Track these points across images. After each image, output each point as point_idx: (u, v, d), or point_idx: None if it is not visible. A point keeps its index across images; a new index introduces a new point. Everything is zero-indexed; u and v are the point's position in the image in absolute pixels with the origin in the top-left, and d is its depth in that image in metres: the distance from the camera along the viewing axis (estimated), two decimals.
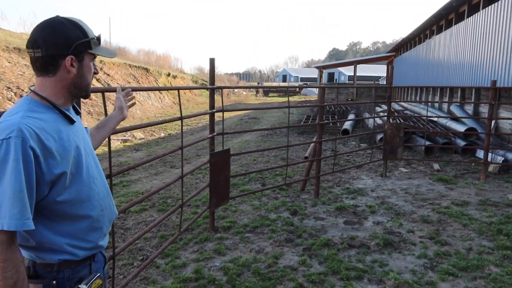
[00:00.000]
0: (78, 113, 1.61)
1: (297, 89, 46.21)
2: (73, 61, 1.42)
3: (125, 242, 3.37)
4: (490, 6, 11.56)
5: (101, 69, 19.92)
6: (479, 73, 12.09)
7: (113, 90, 3.27)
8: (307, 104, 7.96)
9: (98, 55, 1.52)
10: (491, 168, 7.58)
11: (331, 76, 63.04)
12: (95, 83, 17.26)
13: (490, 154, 7.49)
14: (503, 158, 7.74)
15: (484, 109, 11.73)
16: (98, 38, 1.51)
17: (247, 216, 5.19)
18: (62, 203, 1.39)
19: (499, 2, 10.82)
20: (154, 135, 13.15)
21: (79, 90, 1.49)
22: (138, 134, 12.84)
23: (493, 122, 8.67)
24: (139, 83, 23.99)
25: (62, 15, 1.47)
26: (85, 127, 1.69)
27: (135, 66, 25.42)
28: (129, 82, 22.83)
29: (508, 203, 5.71)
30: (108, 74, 20.30)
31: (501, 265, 3.80)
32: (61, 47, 1.40)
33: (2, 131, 1.27)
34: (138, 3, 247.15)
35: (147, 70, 26.64)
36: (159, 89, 4.11)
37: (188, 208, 5.50)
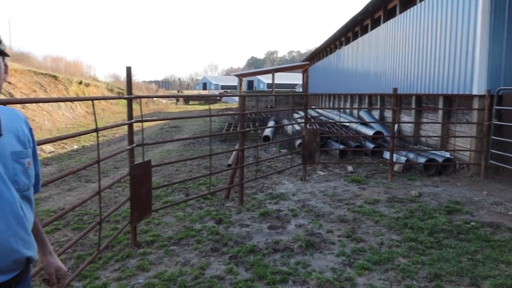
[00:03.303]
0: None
1: (218, 97, 46.39)
2: None
3: (36, 267, 3.08)
4: (389, 21, 12.79)
5: None
6: (382, 81, 13.28)
7: (14, 102, 3.00)
8: (229, 112, 8.05)
9: None
10: (396, 167, 8.34)
11: (250, 84, 64.46)
12: None
13: (395, 155, 8.24)
14: (405, 158, 8.57)
15: (388, 114, 12.90)
16: None
17: (171, 228, 5.07)
18: None
19: (396, 17, 12.03)
20: (66, 148, 12.23)
21: None
22: (48, 147, 11.83)
23: (396, 125, 9.57)
24: (47, 92, 22.17)
25: None
26: (22, 149, 1.47)
27: (42, 74, 23.44)
28: (35, 91, 20.97)
29: (411, 199, 6.33)
30: (9, 82, 18.42)
31: (408, 256, 4.19)
32: None
33: None
34: (43, 4, 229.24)
35: (55, 77, 24.71)
36: (71, 100, 3.86)
37: (107, 224, 5.20)
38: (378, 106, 13.73)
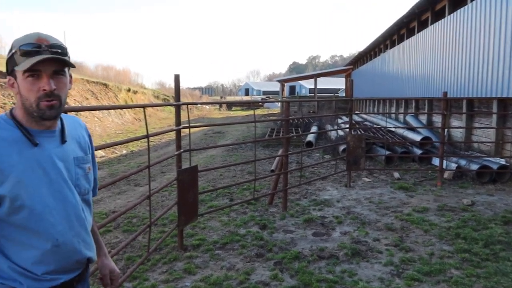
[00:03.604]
0: (63, 138, 1.47)
1: (260, 103, 46.71)
2: (12, 81, 1.38)
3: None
4: (437, 23, 12.32)
5: None
6: (430, 85, 12.79)
7: (70, 110, 3.19)
8: (272, 118, 8.08)
9: (20, 70, 1.32)
10: (446, 174, 7.98)
11: (292, 89, 64.34)
12: None
13: (444, 162, 7.90)
14: (456, 165, 8.18)
15: (437, 119, 12.39)
16: (23, 51, 1.32)
17: (216, 233, 5.15)
18: (10, 225, 1.33)
19: (445, 19, 11.57)
20: (116, 153, 12.80)
21: (29, 111, 1.35)
22: (99, 152, 12.45)
23: (445, 131, 9.17)
24: (98, 99, 23.36)
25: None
26: (83, 155, 1.55)
27: (93, 82, 24.76)
28: (87, 99, 22.17)
29: (463, 208, 6.03)
30: None
31: (461, 267, 3.99)
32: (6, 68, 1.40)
33: None
34: (95, 16, 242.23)
35: (106, 85, 26.01)
36: (124, 107, 4.06)
37: (154, 227, 5.38)
38: (426, 111, 13.23)
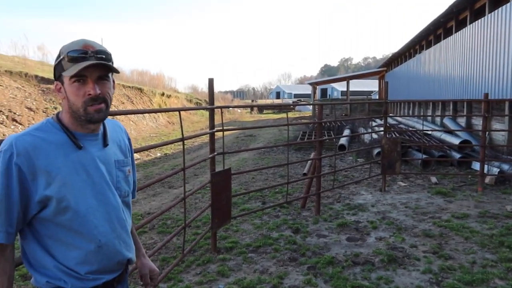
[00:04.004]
0: (105, 142, 1.52)
1: (291, 106, 46.57)
2: (59, 86, 1.43)
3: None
4: (476, 22, 11.84)
5: None
6: (470, 86, 12.30)
7: (120, 113, 3.29)
8: (305, 121, 8.03)
9: (67, 76, 1.37)
10: (487, 179, 7.63)
11: (324, 92, 63.74)
12: None
13: (486, 166, 7.55)
14: (498, 170, 7.81)
15: (476, 121, 11.88)
16: (71, 57, 1.36)
17: (249, 236, 5.16)
18: (56, 226, 1.38)
19: (485, 17, 11.11)
20: (150, 156, 13.11)
21: (75, 114, 1.40)
22: (135, 155, 12.78)
23: (486, 134, 8.77)
24: (133, 103, 24.05)
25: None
26: (124, 158, 1.60)
27: (129, 87, 25.51)
28: (123, 103, 22.87)
29: (507, 215, 5.74)
30: None
31: (505, 278, 3.79)
32: (53, 73, 1.46)
33: (1, 146, 1.33)
34: (130, 25, 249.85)
35: (141, 90, 26.73)
36: (160, 111, 4.14)
37: (188, 229, 5.45)
38: (465, 113, 12.72)
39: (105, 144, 1.51)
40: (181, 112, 3.77)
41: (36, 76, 17.61)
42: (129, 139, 1.72)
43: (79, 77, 1.37)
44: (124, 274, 1.61)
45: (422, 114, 17.51)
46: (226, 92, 72.62)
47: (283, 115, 39.76)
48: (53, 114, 1.47)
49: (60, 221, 1.37)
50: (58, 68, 1.41)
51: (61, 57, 1.39)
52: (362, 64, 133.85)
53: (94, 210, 1.42)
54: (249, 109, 45.40)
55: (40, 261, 1.39)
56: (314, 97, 32.74)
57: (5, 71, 16.71)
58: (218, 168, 4.55)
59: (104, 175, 1.47)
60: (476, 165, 8.26)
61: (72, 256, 1.40)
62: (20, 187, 1.31)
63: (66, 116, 1.44)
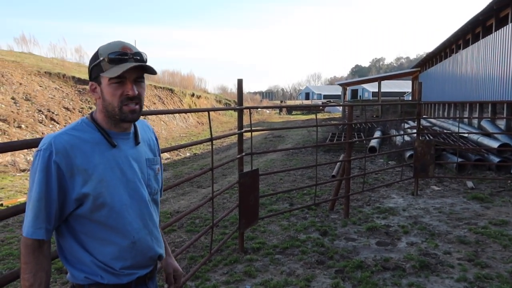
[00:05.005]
0: (137, 140, 1.55)
1: (321, 107, 46.06)
2: (95, 86, 1.46)
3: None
4: None
5: None
6: (510, 87, 11.75)
7: (143, 114, 3.35)
8: (334, 122, 7.91)
9: (107, 76, 1.40)
10: None
11: (354, 93, 62.70)
12: None
13: None
14: None
15: None
16: (110, 59, 1.39)
17: (276, 237, 5.12)
18: (92, 222, 1.41)
19: None
20: (180, 155, 13.31)
21: (110, 114, 1.44)
22: (165, 154, 13.03)
23: None
24: (164, 104, 24.52)
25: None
26: (153, 157, 1.63)
27: (160, 87, 26.04)
28: (154, 103, 23.36)
29: None
30: None
31: None
32: (89, 74, 1.48)
33: (41, 144, 1.37)
34: (161, 26, 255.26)
35: (172, 91, 27.23)
36: (190, 111, 4.18)
37: (216, 228, 5.48)
38: (505, 115, 12.15)
39: (136, 142, 1.55)
40: (211, 113, 3.79)
41: (73, 77, 18.29)
42: (156, 139, 1.75)
43: (118, 78, 1.40)
44: (155, 270, 1.64)
45: (458, 116, 16.89)
46: (255, 93, 72.82)
47: (312, 116, 39.44)
48: (87, 114, 1.51)
49: (96, 217, 1.40)
50: (96, 69, 1.43)
51: (100, 58, 1.41)
52: (394, 64, 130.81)
53: (128, 206, 1.46)
54: (278, 110, 45.32)
55: (77, 257, 1.42)
56: (344, 98, 32.26)
57: (45, 72, 17.46)
58: (246, 168, 4.55)
59: (137, 173, 1.51)
60: None
61: (107, 251, 1.43)
62: (58, 185, 1.34)
63: (100, 115, 1.47)
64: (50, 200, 1.34)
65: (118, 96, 1.41)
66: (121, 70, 1.37)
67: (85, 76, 18.21)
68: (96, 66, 1.42)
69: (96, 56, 1.43)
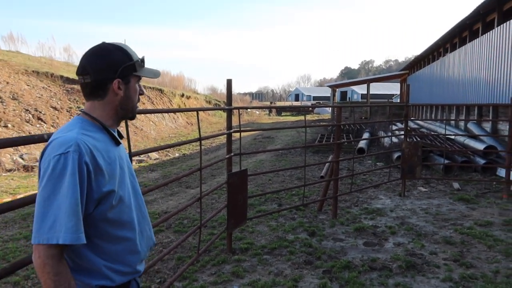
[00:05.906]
0: (121, 136, 1.63)
1: (310, 108, 46.28)
2: (120, 84, 1.47)
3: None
4: (505, 24, 11.50)
5: None
6: (496, 90, 11.95)
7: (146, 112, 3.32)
8: (324, 124, 7.94)
9: (142, 76, 1.56)
10: None
11: (344, 95, 63.08)
12: None
13: None
14: None
15: (503, 127, 11.52)
16: (142, 60, 1.54)
17: (265, 237, 5.12)
18: (106, 222, 1.41)
19: None
20: (169, 155, 13.23)
21: (126, 112, 1.52)
22: (153, 154, 12.94)
23: None
24: (154, 104, 24.35)
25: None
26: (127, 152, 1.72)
27: (150, 87, 25.84)
28: (143, 103, 23.18)
29: None
30: None
31: None
32: (108, 72, 1.45)
33: (60, 146, 1.30)
34: (152, 27, 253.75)
35: (161, 91, 27.05)
36: (178, 111, 4.16)
37: (204, 229, 5.46)
38: (491, 118, 12.35)
39: (121, 138, 1.62)
40: (200, 113, 3.78)
41: (62, 77, 18.05)
42: None
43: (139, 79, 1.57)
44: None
45: (445, 118, 17.12)
46: (245, 94, 72.80)
47: (302, 117, 39.58)
48: (79, 114, 1.50)
49: (111, 215, 1.41)
50: (129, 68, 1.49)
51: (135, 59, 1.51)
52: (383, 66, 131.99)
53: (132, 200, 1.52)
54: (267, 111, 45.39)
55: (89, 264, 1.40)
56: (333, 99, 32.47)
57: (33, 71, 17.20)
58: (235, 169, 4.54)
59: (131, 168, 1.61)
60: (502, 172, 8.00)
61: (120, 249, 1.45)
62: (87, 187, 1.33)
63: (103, 114, 1.48)
64: (82, 203, 1.31)
65: (138, 94, 1.55)
66: (153, 72, 1.59)
67: (73, 75, 17.99)
68: (129, 66, 1.48)
69: (127, 56, 1.48)
